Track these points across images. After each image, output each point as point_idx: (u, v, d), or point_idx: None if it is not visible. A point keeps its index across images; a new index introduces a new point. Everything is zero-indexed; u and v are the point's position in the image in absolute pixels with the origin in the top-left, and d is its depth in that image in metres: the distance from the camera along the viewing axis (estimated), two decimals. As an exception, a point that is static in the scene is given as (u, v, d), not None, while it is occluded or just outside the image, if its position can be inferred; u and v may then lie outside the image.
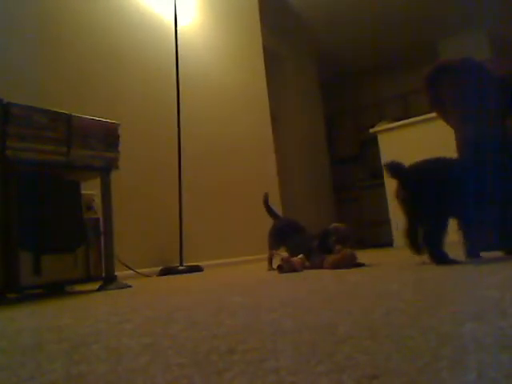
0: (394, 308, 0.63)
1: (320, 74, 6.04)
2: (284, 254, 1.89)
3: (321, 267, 1.63)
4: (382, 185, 5.42)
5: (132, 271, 2.43)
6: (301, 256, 1.76)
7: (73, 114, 1.67)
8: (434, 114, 3.65)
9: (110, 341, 0.58)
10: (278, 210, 3.80)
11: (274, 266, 1.88)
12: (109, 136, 1.77)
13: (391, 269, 1.36)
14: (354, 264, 1.58)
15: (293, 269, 1.67)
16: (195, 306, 0.86)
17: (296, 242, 1.93)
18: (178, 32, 2.97)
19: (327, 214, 5.40)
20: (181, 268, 2.51)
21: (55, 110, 1.64)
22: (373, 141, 5.58)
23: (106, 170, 1.76)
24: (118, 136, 1.81)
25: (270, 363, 0.40)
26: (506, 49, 5.63)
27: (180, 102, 2.83)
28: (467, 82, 2.02)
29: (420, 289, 0.82)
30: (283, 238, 2.02)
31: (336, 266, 1.56)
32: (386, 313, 0.59)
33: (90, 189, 2.08)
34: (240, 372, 0.38)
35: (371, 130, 3.94)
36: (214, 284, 1.43)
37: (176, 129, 2.79)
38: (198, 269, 2.56)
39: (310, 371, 0.36)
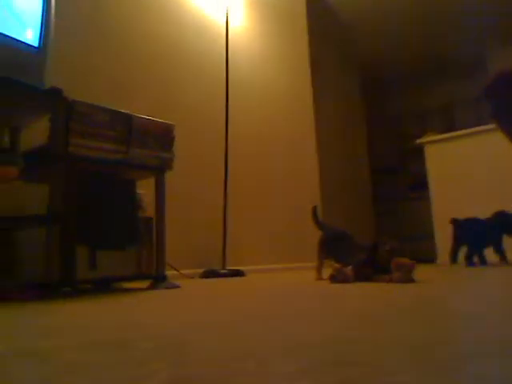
0: (480, 331, 0.58)
1: (362, 81, 5.96)
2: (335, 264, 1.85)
3: (389, 281, 1.55)
4: (422, 198, 5.26)
5: (175, 271, 2.44)
6: (350, 267, 1.71)
7: (133, 114, 1.70)
8: (484, 127, 3.52)
9: (210, 340, 0.56)
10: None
11: (323, 275, 1.84)
12: (165, 136, 1.79)
13: (448, 283, 1.30)
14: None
15: (345, 279, 1.63)
16: (270, 311, 0.84)
17: (344, 252, 1.89)
18: (229, 37, 3.00)
19: (366, 225, 5.29)
20: (223, 271, 2.51)
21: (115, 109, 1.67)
22: (415, 152, 5.43)
23: (161, 170, 1.78)
24: (174, 137, 1.83)
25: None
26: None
27: (228, 106, 2.85)
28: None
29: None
30: (331, 247, 1.99)
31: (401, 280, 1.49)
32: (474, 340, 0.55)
33: (139, 188, 2.11)
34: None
35: (418, 141, 3.84)
36: (267, 291, 1.41)
37: (223, 130, 2.80)
38: (239, 273, 2.55)
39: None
